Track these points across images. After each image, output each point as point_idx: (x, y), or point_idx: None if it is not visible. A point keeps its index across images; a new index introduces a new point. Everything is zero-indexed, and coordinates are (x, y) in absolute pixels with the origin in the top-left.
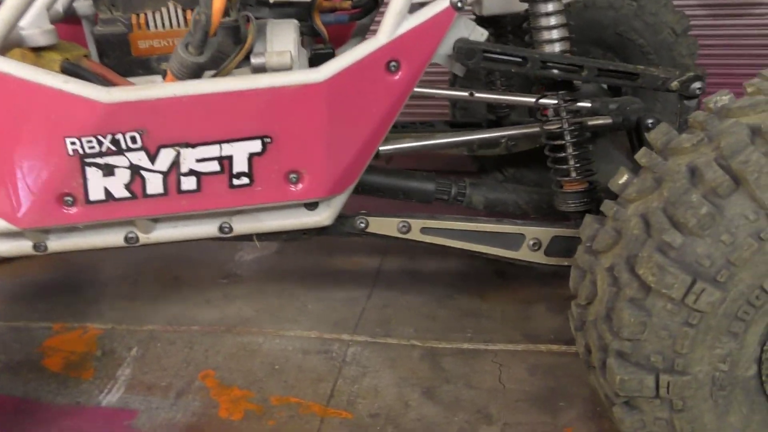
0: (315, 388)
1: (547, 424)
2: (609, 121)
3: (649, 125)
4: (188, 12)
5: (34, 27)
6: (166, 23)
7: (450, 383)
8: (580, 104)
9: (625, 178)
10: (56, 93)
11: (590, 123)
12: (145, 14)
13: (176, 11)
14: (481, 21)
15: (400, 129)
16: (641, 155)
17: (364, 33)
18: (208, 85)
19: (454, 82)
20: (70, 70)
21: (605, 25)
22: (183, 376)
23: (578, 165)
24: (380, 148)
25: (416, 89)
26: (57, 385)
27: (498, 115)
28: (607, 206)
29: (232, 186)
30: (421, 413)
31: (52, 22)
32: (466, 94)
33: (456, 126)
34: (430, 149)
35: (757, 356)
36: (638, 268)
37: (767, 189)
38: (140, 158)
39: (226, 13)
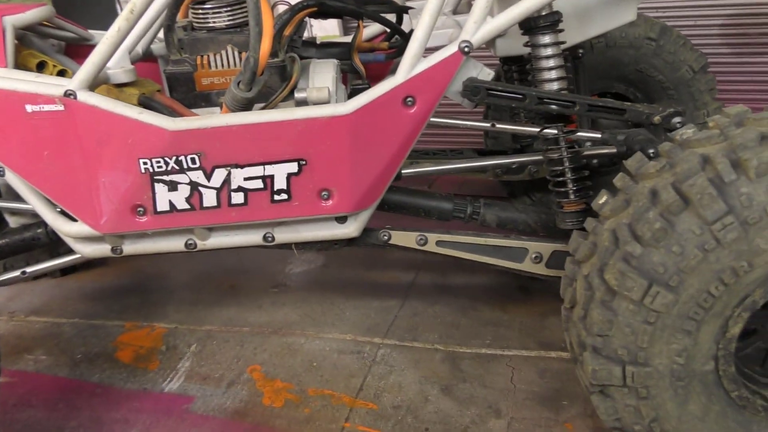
0: (347, 382)
1: (549, 420)
2: (613, 150)
3: (651, 155)
4: (244, 54)
5: (118, 67)
6: (225, 63)
7: (466, 382)
8: (590, 135)
9: (604, 199)
10: (133, 122)
11: (594, 152)
12: (208, 56)
13: (233, 53)
14: (507, 60)
15: (432, 155)
16: (618, 179)
17: None
18: (254, 117)
19: (486, 115)
20: (146, 102)
21: (626, 63)
22: (234, 370)
23: (576, 188)
24: (402, 171)
25: (445, 120)
26: (127, 374)
27: (522, 144)
28: (589, 223)
29: (273, 201)
30: (438, 407)
31: (133, 62)
32: (488, 125)
33: (484, 154)
34: (446, 173)
35: (713, 354)
36: (605, 274)
37: (709, 208)
38: (198, 176)
39: (275, 54)
